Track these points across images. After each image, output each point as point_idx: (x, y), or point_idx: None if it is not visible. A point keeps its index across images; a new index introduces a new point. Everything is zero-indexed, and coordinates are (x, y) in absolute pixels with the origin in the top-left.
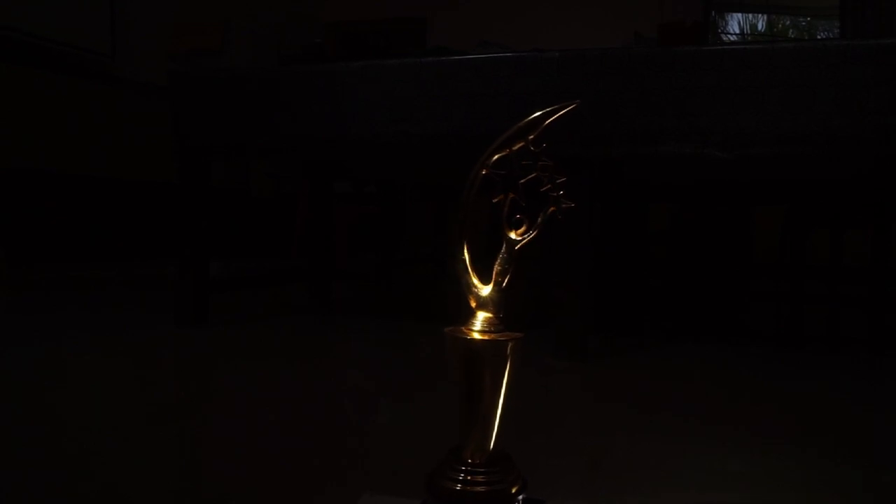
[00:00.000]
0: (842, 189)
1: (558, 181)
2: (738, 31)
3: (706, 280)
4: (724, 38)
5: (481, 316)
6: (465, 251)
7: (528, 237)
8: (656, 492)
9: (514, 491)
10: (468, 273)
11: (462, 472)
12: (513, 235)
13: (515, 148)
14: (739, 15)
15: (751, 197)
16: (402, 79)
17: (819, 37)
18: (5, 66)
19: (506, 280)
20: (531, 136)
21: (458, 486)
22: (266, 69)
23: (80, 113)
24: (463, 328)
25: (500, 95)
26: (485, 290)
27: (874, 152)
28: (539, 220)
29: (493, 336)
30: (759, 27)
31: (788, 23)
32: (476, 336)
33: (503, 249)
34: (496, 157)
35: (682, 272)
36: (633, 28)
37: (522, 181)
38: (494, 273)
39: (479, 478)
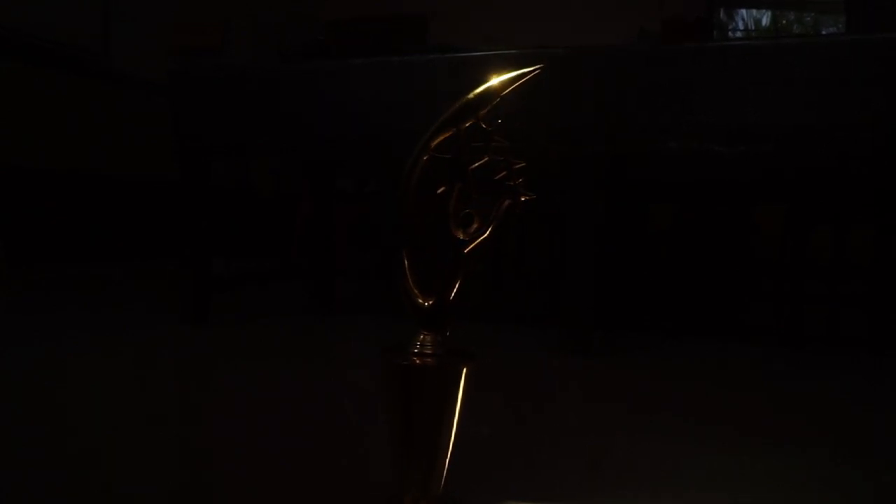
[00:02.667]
0: (844, 187)
1: (515, 166)
2: (742, 26)
3: (707, 279)
4: (729, 34)
5: (423, 336)
6: (405, 255)
7: (479, 237)
8: (656, 492)
9: None
10: (408, 282)
11: None
12: (461, 235)
13: (464, 126)
14: (743, 11)
15: (752, 196)
16: (404, 77)
17: (824, 32)
18: (4, 64)
19: (453, 291)
20: (483, 112)
21: None
22: (266, 68)
23: (80, 112)
24: (402, 351)
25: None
26: (428, 303)
27: (879, 149)
28: (492, 215)
29: (436, 360)
30: (764, 23)
31: (793, 18)
32: (416, 360)
33: (449, 252)
34: (441, 137)
35: (682, 272)
36: (637, 24)
37: (472, 167)
38: (439, 282)
39: None
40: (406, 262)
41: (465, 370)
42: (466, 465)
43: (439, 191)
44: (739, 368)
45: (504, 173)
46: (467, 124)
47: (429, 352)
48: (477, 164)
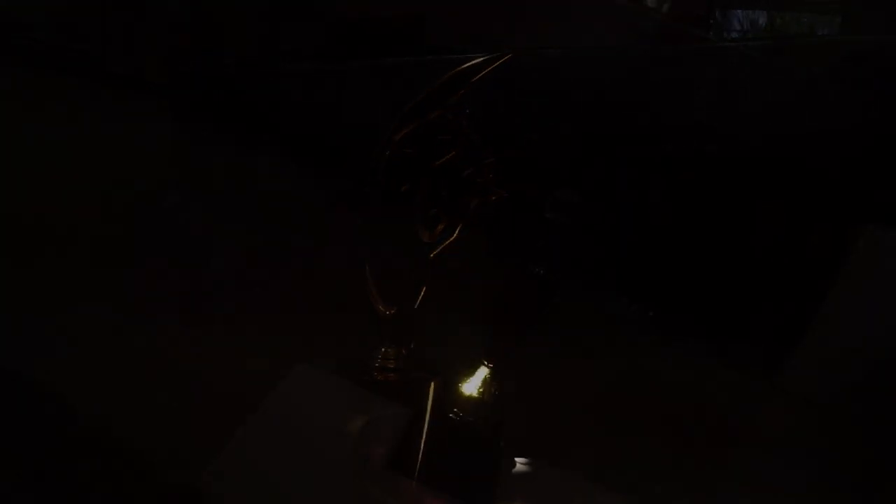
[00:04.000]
0: (844, 186)
1: (486, 161)
2: (738, 27)
3: (706, 277)
4: (725, 35)
5: (384, 350)
6: (367, 261)
7: (446, 240)
8: (656, 492)
9: None
10: (370, 290)
11: None
12: (426, 237)
13: (431, 118)
14: (740, 11)
15: (751, 194)
16: (403, 77)
17: (820, 34)
18: (4, 65)
19: (418, 300)
20: (451, 101)
21: None
22: (267, 68)
23: (80, 112)
24: (362, 366)
25: (502, 92)
26: (391, 312)
27: (877, 148)
28: (460, 215)
29: (399, 375)
30: (760, 24)
31: (789, 19)
32: (377, 376)
33: (413, 257)
34: (405, 130)
35: (681, 269)
36: (636, 25)
37: (439, 163)
38: (400, 290)
39: None
40: (368, 268)
41: (431, 386)
42: None
43: (403, 189)
44: (739, 368)
45: (472, 169)
46: (434, 115)
47: (391, 366)
48: (444, 160)
